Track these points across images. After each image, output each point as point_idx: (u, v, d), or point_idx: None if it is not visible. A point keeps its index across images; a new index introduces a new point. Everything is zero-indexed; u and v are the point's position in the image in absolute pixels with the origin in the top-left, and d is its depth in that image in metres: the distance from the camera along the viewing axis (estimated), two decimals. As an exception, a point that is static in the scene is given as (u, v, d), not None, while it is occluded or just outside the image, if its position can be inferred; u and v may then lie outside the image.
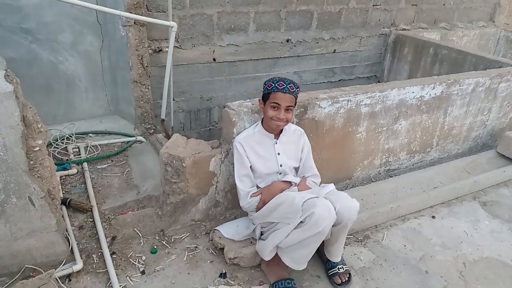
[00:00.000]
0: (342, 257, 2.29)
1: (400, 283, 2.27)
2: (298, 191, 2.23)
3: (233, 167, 2.32)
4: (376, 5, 4.70)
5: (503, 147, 3.50)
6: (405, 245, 2.56)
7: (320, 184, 2.40)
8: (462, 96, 3.35)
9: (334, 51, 4.68)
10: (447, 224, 2.79)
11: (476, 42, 5.64)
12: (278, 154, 2.28)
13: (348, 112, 2.81)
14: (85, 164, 2.98)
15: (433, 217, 2.86)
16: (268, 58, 4.28)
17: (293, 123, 2.49)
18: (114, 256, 2.22)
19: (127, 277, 2.11)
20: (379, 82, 5.10)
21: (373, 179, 3.17)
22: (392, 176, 3.21)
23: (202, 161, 2.37)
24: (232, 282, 2.15)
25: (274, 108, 2.13)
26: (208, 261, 2.27)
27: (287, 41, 4.30)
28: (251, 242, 2.33)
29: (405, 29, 5.00)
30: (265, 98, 2.16)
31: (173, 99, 3.64)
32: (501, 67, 3.71)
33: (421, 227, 2.74)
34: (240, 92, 4.19)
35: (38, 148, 1.89)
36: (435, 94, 3.18)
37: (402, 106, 3.06)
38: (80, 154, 3.14)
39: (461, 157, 3.54)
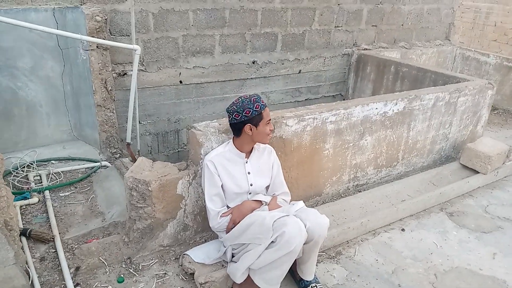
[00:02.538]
0: (315, 275, 2.27)
1: (374, 298, 2.26)
2: (269, 210, 2.21)
3: (202, 189, 2.27)
4: (337, 26, 4.85)
5: (465, 159, 3.62)
6: (377, 260, 2.57)
7: (290, 202, 2.39)
8: (424, 111, 3.46)
9: (299, 72, 4.77)
10: (417, 236, 2.82)
11: (435, 60, 5.89)
12: (249, 173, 2.26)
13: (314, 130, 2.83)
14: (47, 192, 2.86)
15: (403, 229, 2.89)
16: (235, 79, 4.31)
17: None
18: (78, 287, 2.11)
19: (93, 310, 2.01)
20: (344, 100, 5.21)
21: (342, 195, 3.19)
22: (361, 191, 3.24)
23: (169, 184, 2.32)
24: (204, 308, 2.08)
25: (268, 124, 2.17)
26: None
27: (253, 62, 4.36)
28: (222, 265, 2.27)
29: (366, 49, 5.17)
30: (256, 119, 2.13)
31: (140, 122, 3.59)
32: (459, 82, 3.87)
33: (392, 241, 2.76)
34: (209, 113, 4.18)
35: (-7, 177, 1.80)
36: (398, 109, 3.26)
37: (367, 122, 3.12)
38: (41, 182, 3.01)
39: (427, 170, 3.62)
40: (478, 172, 3.53)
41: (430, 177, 3.48)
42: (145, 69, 3.67)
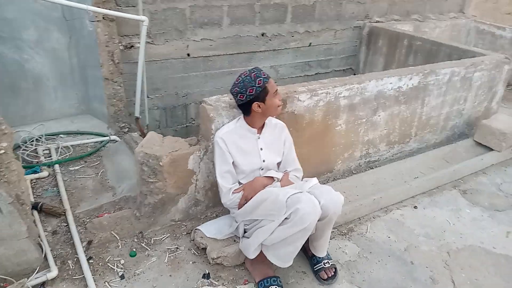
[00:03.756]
0: (327, 251, 2.25)
1: (386, 275, 2.25)
2: (281, 186, 2.18)
3: (213, 164, 2.24)
4: (349, -3, 4.69)
5: (479, 136, 3.55)
6: (389, 237, 2.55)
7: (302, 178, 2.35)
8: (439, 86, 3.37)
9: (309, 45, 4.65)
10: (429, 214, 2.79)
11: (448, 33, 5.72)
12: (261, 149, 2.22)
13: (327, 105, 2.77)
14: (56, 166, 2.84)
15: (415, 207, 2.86)
16: (244, 52, 4.20)
17: (272, 116, 2.42)
18: (91, 261, 2.12)
19: (106, 283, 2.01)
20: (354, 74, 5.11)
21: (354, 172, 3.15)
22: (372, 168, 3.20)
23: (180, 159, 2.29)
24: (216, 283, 2.08)
25: (275, 95, 2.11)
26: (190, 262, 2.19)
27: (262, 35, 4.24)
28: (234, 241, 2.26)
29: (378, 21, 5.02)
30: (262, 95, 2.06)
31: (147, 96, 3.53)
32: (474, 56, 3.75)
33: (404, 218, 2.74)
34: (217, 88, 4.10)
35: (3, 151, 1.76)
36: (412, 84, 3.18)
37: (381, 98, 3.05)
38: (51, 156, 2.99)
39: (440, 147, 3.56)
40: (492, 150, 3.46)
41: (443, 154, 3.42)
42: (152, 41, 3.58)
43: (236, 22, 4.00)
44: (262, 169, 2.25)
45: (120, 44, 3.32)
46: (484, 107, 3.88)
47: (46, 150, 3.07)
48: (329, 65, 4.94)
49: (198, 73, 3.97)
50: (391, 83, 3.05)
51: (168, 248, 2.26)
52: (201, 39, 3.86)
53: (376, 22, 4.99)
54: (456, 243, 2.54)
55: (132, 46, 3.45)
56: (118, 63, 3.28)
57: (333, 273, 2.18)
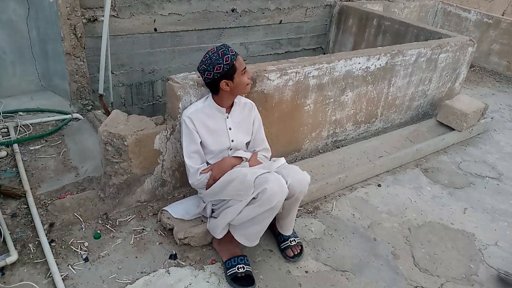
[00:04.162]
0: (293, 229, 2.29)
1: (350, 251, 2.32)
2: (250, 166, 2.18)
3: (181, 144, 2.20)
4: (321, -26, 4.64)
5: (442, 116, 3.66)
6: (353, 214, 2.62)
7: (270, 158, 2.36)
8: (405, 67, 3.42)
9: (280, 22, 4.60)
10: (393, 192, 2.88)
11: (416, 14, 5.79)
12: (230, 129, 2.19)
13: (296, 85, 2.76)
14: (15, 146, 2.72)
15: (379, 185, 2.94)
16: (213, 28, 4.11)
17: (241, 96, 2.40)
18: (53, 244, 2.06)
19: (69, 266, 1.97)
20: (324, 53, 5.11)
21: (321, 151, 3.19)
22: (339, 147, 3.25)
23: (145, 139, 2.24)
24: (183, 263, 2.08)
25: (244, 73, 2.07)
26: (157, 243, 2.18)
27: (232, 10, 4.15)
28: (202, 221, 2.26)
29: (349, 0, 5.01)
30: (230, 73, 2.01)
31: (112, 73, 3.41)
32: (440, 38, 3.83)
33: (368, 196, 2.81)
34: (185, 64, 4.01)
35: (-46, 130, 1.67)
36: (380, 65, 3.22)
37: (349, 78, 3.07)
38: (9, 135, 2.86)
39: (404, 126, 3.65)
40: (453, 129, 3.58)
41: (407, 133, 3.51)
42: (117, 14, 3.43)
43: (205, -4, 3.89)
44: (230, 149, 2.23)
45: (83, 17, 3.17)
46: (448, 88, 3.99)
47: (4, 128, 2.93)
48: (299, 44, 4.92)
49: (166, 49, 3.86)
50: (359, 63, 3.07)
51: (134, 230, 2.23)
52: (169, 13, 3.73)
53: (346, 1, 4.98)
54: (417, 219, 2.64)
55: (95, 20, 3.30)
56: (80, 37, 3.13)
57: (299, 251, 2.23)
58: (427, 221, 2.63)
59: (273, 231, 2.32)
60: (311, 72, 2.80)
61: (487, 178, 3.17)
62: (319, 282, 2.11)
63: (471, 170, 3.25)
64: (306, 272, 2.16)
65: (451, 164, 3.30)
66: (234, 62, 2.01)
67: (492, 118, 4.06)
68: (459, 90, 4.12)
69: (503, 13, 8.75)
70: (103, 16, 2.97)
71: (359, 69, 3.09)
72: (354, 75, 3.08)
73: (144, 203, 2.40)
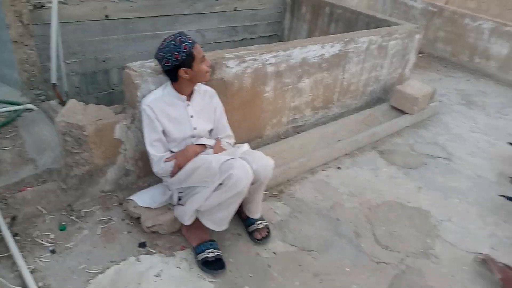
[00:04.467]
0: (260, 213, 2.34)
1: (315, 232, 2.41)
2: (214, 153, 2.18)
3: (142, 133, 2.17)
4: (274, -38, 4.67)
5: (394, 100, 3.83)
6: (316, 196, 2.71)
7: (234, 145, 2.38)
8: (358, 54, 3.55)
9: (234, 9, 4.58)
10: (352, 174, 3.00)
11: (366, 2, 5.98)
12: (192, 116, 2.18)
13: (255, 72, 2.79)
14: (-37, 140, 2.55)
15: (339, 168, 3.05)
16: (167, 15, 4.03)
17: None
18: (17, 237, 1.99)
19: (36, 259, 1.91)
20: (280, 41, 5.16)
21: (282, 137, 3.25)
22: (299, 133, 3.32)
23: (105, 129, 2.19)
24: (153, 251, 2.07)
25: (203, 61, 2.05)
26: (125, 232, 2.15)
27: (186, -3, 4.09)
28: (169, 208, 2.25)
29: (302, -12, 5.08)
30: (188, 61, 1.99)
31: (64, 61, 3.26)
32: (390, 25, 3.99)
33: (329, 178, 2.91)
34: (140, 52, 3.91)
35: None
36: (334, 52, 3.31)
37: (305, 65, 3.14)
38: (-46, 129, 2.67)
39: (359, 111, 3.79)
40: (405, 113, 3.77)
41: (363, 118, 3.65)
42: (65, 1, 3.27)
43: (158, -18, 3.80)
44: (193, 137, 2.22)
45: (28, 3, 3.00)
46: (399, 74, 4.18)
47: None
48: (255, 31, 4.94)
49: (119, 36, 3.74)
50: (314, 50, 3.14)
51: (100, 220, 2.19)
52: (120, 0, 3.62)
53: (300, -12, 5.04)
54: (375, 199, 2.77)
55: (42, 6, 3.13)
56: (27, 24, 2.97)
57: (266, 233, 2.29)
58: (385, 201, 2.77)
59: (240, 216, 2.35)
60: (268, 59, 2.84)
61: (439, 158, 3.38)
62: (287, 262, 2.18)
63: (424, 151, 3.44)
64: (274, 253, 2.22)
65: (405, 146, 3.48)
66: (193, 50, 1.99)
67: (440, 101, 4.31)
68: (409, 76, 4.32)
69: (447, 1, 9.23)
70: (50, 2, 2.83)
71: (314, 57, 3.17)
72: (310, 62, 3.15)
73: (109, 193, 2.35)
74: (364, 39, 3.51)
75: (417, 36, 4.08)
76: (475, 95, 4.80)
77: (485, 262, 2.29)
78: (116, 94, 3.88)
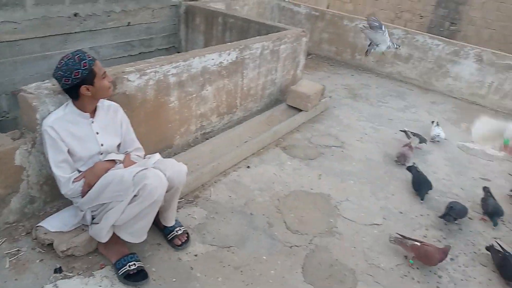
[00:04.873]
0: (177, 220, 2.40)
1: (232, 229, 2.55)
2: (124, 167, 2.20)
3: (45, 156, 2.11)
4: (163, -24, 4.74)
5: (290, 100, 4.15)
6: (230, 196, 2.85)
7: (144, 156, 2.41)
8: (254, 60, 3.78)
9: (128, 24, 4.56)
10: (260, 171, 3.20)
11: (256, 10, 6.32)
12: (97, 133, 2.17)
13: (157, 83, 2.85)
14: None
15: (248, 167, 3.23)
16: (57, 34, 3.88)
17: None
18: None
19: None
20: (179, 52, 5.24)
21: (192, 144, 3.34)
22: (208, 139, 3.44)
23: (4, 156, 2.10)
24: (71, 274, 2.03)
25: (104, 77, 2.06)
26: (37, 261, 2.06)
27: (75, 15, 3.98)
28: (83, 229, 2.20)
29: (193, 0, 5.22)
30: (89, 78, 1.99)
31: None
32: (279, 31, 4.31)
33: (240, 178, 3.08)
34: (31, 75, 3.70)
35: None
36: (231, 59, 3.50)
37: (206, 73, 3.27)
38: None
39: (261, 113, 4.02)
40: (301, 110, 4.10)
41: (264, 118, 3.89)
42: None
43: (42, 1, 3.65)
44: (101, 154, 2.21)
45: None
46: (291, 75, 4.52)
47: None
48: (152, 44, 4.95)
49: (5, 60, 3.52)
50: (213, 59, 3.29)
51: (8, 252, 2.07)
52: (2, 21, 3.41)
53: (191, 0, 5.18)
54: (283, 190, 3.00)
55: None
56: None
57: (186, 238, 2.36)
58: (291, 191, 3.01)
59: (157, 226, 2.39)
60: (170, 70, 2.92)
61: (333, 147, 3.74)
62: (208, 261, 2.28)
63: (320, 142, 3.79)
64: (196, 255, 2.31)
65: (304, 140, 3.79)
66: (93, 67, 2.01)
67: (330, 97, 4.74)
68: (301, 76, 4.69)
69: (328, 6, 10.11)
70: None
71: (214, 65, 3.32)
72: (210, 71, 3.30)
73: (14, 224, 2.23)
74: (257, 45, 3.76)
75: (304, 39, 4.46)
76: (359, 88, 5.38)
77: (397, 243, 2.55)
78: (8, 122, 3.63)
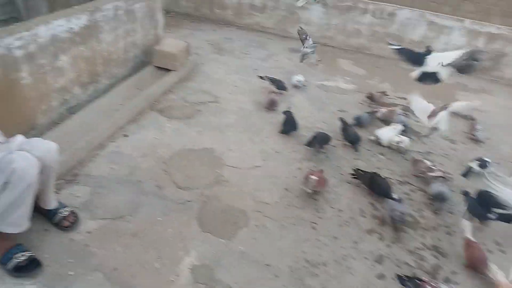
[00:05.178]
0: (60, 202, 2.28)
1: (122, 200, 2.51)
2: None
3: None
4: None
5: (157, 61, 4.06)
6: (112, 168, 2.77)
7: (6, 140, 2.18)
8: (108, 22, 3.55)
9: None
10: (140, 137, 3.15)
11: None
12: None
13: (2, 59, 2.53)
14: None
15: (126, 135, 3.14)
16: None
17: None
18: None
19: None
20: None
21: (58, 122, 3.08)
22: (75, 113, 3.21)
23: None
24: None
25: None
26: None
27: None
28: None
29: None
30: None
31: None
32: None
33: (120, 148, 2.99)
34: None
35: None
36: (83, 24, 3.23)
37: (56, 42, 2.99)
38: None
39: (129, 78, 3.87)
40: (170, 70, 4.05)
41: (133, 83, 3.76)
42: None
43: None
44: None
45: None
46: (153, 35, 4.38)
47: None
48: (-17, 17, 4.27)
49: None
50: (61, 25, 3.01)
51: None
52: None
53: (22, -39, 4.54)
54: (167, 152, 3.02)
55: None
56: None
57: (74, 218, 2.26)
58: (175, 151, 3.05)
59: (40, 211, 2.24)
60: (12, 43, 2.61)
61: (208, 103, 3.82)
62: (103, 235, 2.24)
63: (195, 100, 3.83)
64: (89, 232, 2.24)
65: (179, 100, 3.79)
66: None
67: (197, 54, 4.75)
68: (164, 35, 4.57)
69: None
70: None
71: (64, 31, 3.04)
72: (60, 38, 3.02)
73: None
74: (109, 6, 3.52)
75: (159, -3, 4.32)
76: (223, 42, 5.49)
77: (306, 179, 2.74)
78: None
